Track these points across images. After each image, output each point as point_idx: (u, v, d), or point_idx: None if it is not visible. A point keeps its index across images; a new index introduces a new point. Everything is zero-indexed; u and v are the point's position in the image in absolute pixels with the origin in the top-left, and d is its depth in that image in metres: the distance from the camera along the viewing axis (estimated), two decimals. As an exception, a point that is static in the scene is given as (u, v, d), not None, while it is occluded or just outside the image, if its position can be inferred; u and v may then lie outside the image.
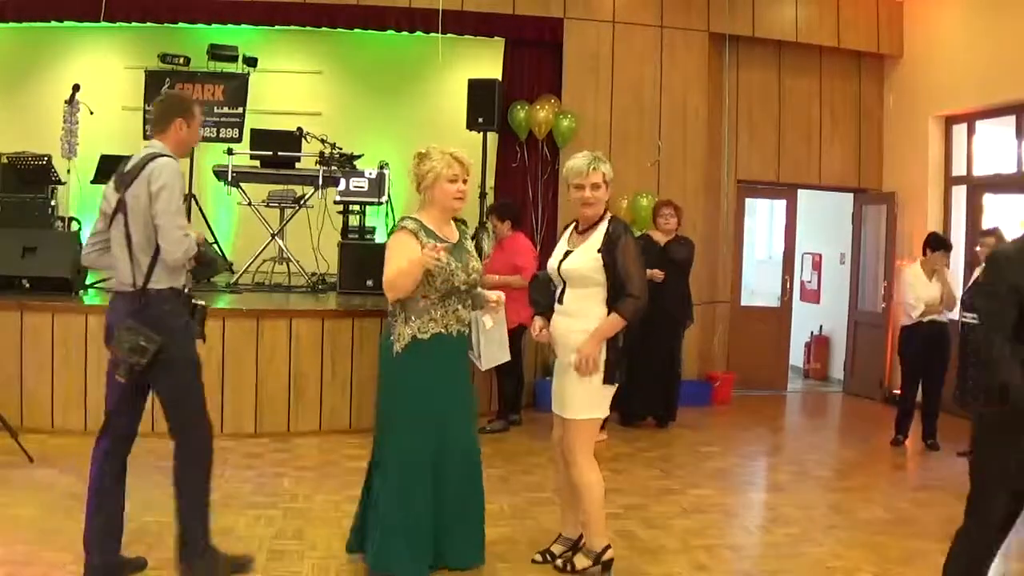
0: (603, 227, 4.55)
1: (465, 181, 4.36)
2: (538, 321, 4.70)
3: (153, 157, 4.13)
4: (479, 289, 4.51)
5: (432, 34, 9.45)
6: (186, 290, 4.27)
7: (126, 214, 4.11)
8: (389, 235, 4.28)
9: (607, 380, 4.45)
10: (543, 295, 4.70)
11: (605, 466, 5.10)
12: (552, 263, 4.64)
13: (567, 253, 4.60)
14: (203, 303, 4.35)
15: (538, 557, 4.76)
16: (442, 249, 4.13)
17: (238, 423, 7.14)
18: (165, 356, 4.08)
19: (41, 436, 6.61)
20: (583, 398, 4.46)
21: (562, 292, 4.56)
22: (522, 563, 4.72)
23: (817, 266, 11.92)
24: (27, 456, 6.01)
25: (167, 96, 4.51)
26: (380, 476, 4.38)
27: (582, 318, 4.47)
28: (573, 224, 4.75)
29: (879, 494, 6.46)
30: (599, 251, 4.47)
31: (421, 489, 4.29)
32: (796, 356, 11.60)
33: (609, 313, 4.44)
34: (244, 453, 6.64)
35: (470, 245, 4.48)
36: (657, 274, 7.57)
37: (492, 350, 4.39)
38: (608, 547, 4.60)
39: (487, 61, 10.21)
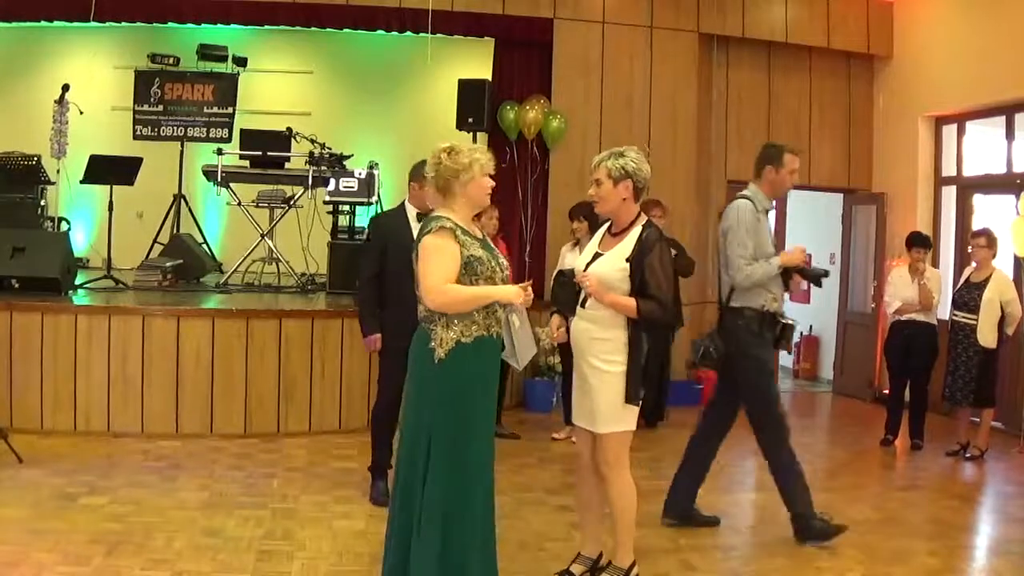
0: (635, 233, 4.28)
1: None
2: (557, 320, 4.44)
3: (735, 198, 5.28)
4: None
5: (422, 34, 9.43)
6: (765, 309, 5.15)
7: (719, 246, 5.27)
8: (422, 235, 3.90)
9: (627, 399, 4.21)
10: (568, 295, 4.41)
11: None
12: (579, 263, 4.41)
13: (596, 255, 4.35)
14: (791, 322, 5.29)
15: None
16: (481, 247, 3.91)
17: (227, 423, 7.12)
18: (732, 362, 5.16)
19: (30, 437, 6.57)
20: (612, 411, 4.24)
21: (586, 295, 4.30)
22: (511, 562, 4.71)
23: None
24: (16, 456, 5.98)
25: (764, 146, 5.40)
26: (432, 503, 3.82)
27: (604, 325, 4.22)
28: (608, 224, 4.46)
29: (868, 494, 6.47)
30: (628, 260, 4.21)
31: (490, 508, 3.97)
32: (785, 356, 11.61)
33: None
34: (233, 453, 6.62)
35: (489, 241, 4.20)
36: None
37: (524, 347, 4.06)
38: (634, 564, 4.38)
39: (477, 61, 10.21)
